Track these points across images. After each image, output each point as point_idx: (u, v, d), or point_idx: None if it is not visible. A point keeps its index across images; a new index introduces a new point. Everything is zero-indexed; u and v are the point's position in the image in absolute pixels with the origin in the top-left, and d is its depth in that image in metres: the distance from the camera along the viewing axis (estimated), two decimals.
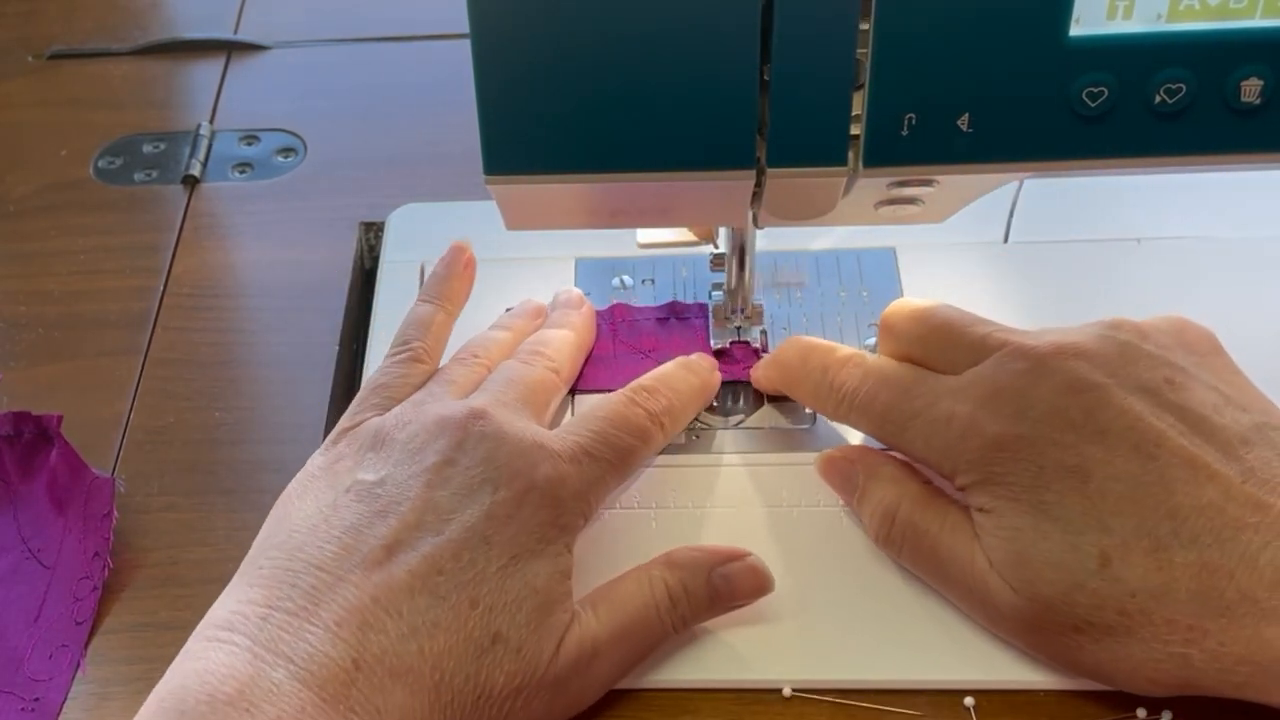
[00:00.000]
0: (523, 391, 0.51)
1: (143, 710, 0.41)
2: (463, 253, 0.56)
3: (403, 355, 0.53)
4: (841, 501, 0.52)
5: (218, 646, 0.41)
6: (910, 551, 0.49)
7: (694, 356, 0.55)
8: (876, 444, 0.52)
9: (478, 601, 0.44)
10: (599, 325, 0.59)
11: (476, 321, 0.60)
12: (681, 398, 0.52)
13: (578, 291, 0.59)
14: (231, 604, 0.43)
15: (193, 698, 0.40)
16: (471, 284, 0.56)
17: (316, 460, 0.49)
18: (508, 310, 0.58)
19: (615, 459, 0.49)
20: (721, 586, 0.48)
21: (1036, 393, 0.45)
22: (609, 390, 0.53)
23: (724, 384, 0.57)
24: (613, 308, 0.59)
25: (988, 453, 0.46)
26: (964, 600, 0.48)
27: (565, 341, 0.55)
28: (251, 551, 0.46)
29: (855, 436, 0.54)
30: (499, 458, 0.46)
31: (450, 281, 0.55)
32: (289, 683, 0.40)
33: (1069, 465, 0.45)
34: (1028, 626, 0.46)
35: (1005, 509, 0.46)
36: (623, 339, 0.58)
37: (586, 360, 0.57)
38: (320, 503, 0.46)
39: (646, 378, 0.52)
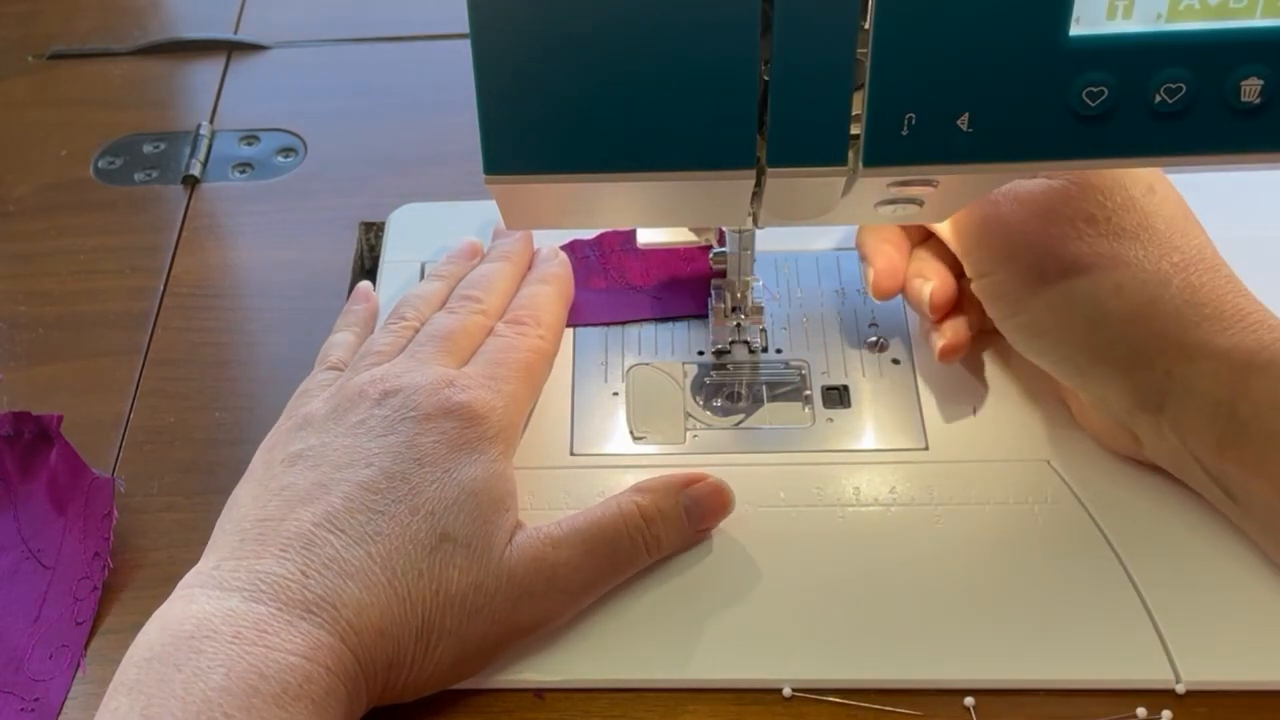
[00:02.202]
0: (442, 343, 0.53)
1: (117, 673, 0.42)
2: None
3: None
4: (838, 501, 0.52)
5: (173, 603, 0.44)
6: (941, 231, 0.53)
7: (544, 266, 0.59)
8: None
9: (418, 509, 0.46)
10: (588, 256, 0.61)
11: None
12: (548, 313, 0.56)
13: (552, 247, 0.60)
14: (188, 575, 0.46)
15: (156, 643, 0.42)
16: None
17: (256, 457, 0.51)
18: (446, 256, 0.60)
19: (520, 375, 0.52)
20: (691, 508, 0.50)
21: None
22: (612, 322, 0.59)
23: (718, 384, 0.57)
24: (600, 237, 0.62)
25: None
26: (972, 227, 0.52)
27: (499, 276, 0.57)
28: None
29: (855, 437, 0.54)
30: (413, 400, 0.49)
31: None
32: (243, 604, 0.43)
33: None
34: (1059, 196, 0.50)
35: None
36: (614, 273, 0.61)
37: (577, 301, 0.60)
38: (257, 479, 0.49)
39: (515, 307, 0.56)
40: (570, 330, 0.60)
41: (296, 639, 0.42)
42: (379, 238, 0.65)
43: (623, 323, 0.59)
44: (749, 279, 0.57)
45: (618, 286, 0.61)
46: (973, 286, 0.53)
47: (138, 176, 0.70)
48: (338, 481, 0.47)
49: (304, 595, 0.44)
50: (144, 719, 0.40)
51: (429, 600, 0.45)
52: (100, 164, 0.71)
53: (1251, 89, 0.41)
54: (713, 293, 0.58)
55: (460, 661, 0.46)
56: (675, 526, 0.50)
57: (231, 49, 0.77)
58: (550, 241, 0.61)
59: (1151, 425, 0.50)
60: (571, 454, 0.55)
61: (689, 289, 0.60)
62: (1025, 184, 0.50)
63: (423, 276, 0.62)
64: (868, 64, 0.41)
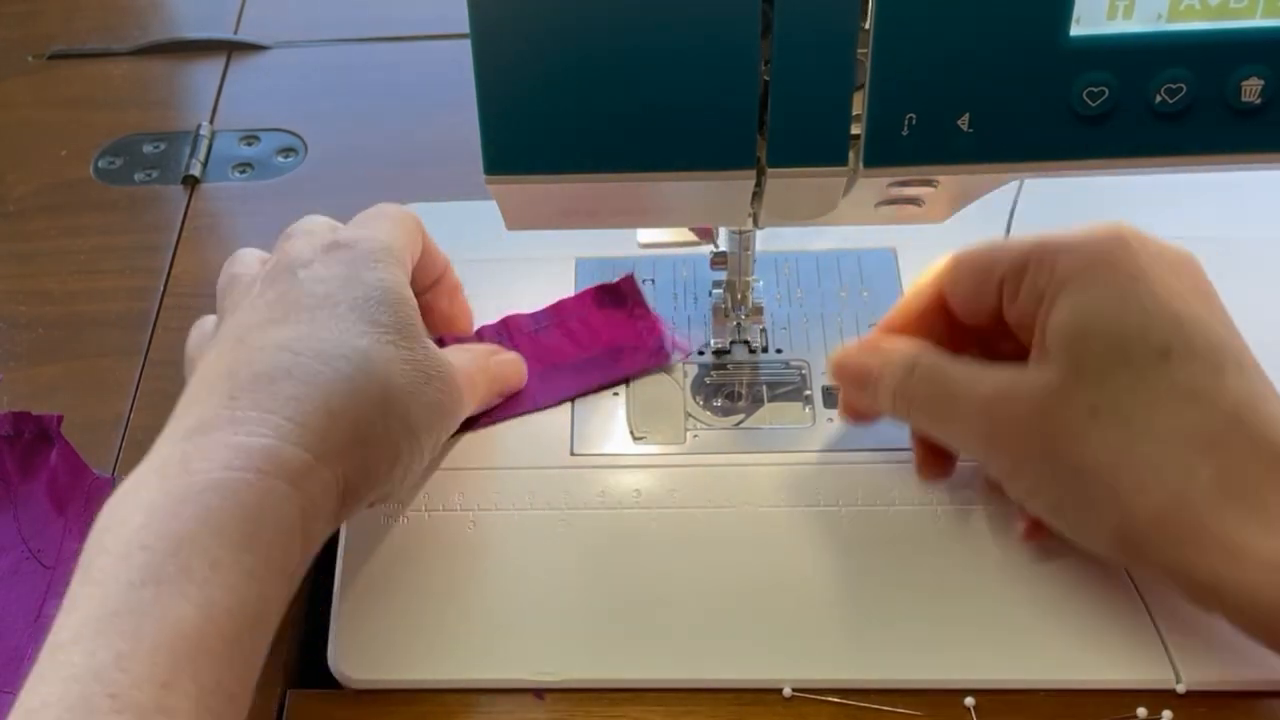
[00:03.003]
0: None
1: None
2: None
3: None
4: (838, 501, 0.52)
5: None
6: (925, 395, 0.48)
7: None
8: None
9: (339, 311, 0.47)
10: (499, 340, 0.59)
11: (476, 323, 0.60)
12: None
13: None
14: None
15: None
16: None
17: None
18: None
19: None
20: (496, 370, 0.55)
21: None
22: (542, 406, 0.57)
23: (718, 384, 0.57)
24: (506, 320, 0.60)
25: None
26: (980, 419, 0.46)
27: None
28: None
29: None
30: (303, 253, 0.51)
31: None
32: (172, 447, 0.43)
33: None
34: (1055, 396, 0.44)
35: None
36: (533, 353, 0.58)
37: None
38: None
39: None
40: None
41: (217, 457, 0.42)
42: None
43: (557, 402, 0.57)
44: (749, 279, 0.57)
45: (540, 368, 0.57)
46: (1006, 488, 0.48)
47: (138, 176, 0.70)
48: (248, 329, 0.47)
49: (231, 415, 0.43)
50: (70, 597, 0.40)
51: (378, 370, 0.46)
52: (100, 164, 0.71)
53: (1252, 89, 0.41)
54: (713, 292, 0.58)
55: (433, 421, 0.48)
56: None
57: (231, 49, 0.77)
58: (550, 242, 0.61)
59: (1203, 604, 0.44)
60: (572, 454, 0.55)
61: (621, 349, 0.58)
62: (1021, 378, 0.45)
63: None
64: (868, 64, 0.41)
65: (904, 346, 0.49)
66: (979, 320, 0.49)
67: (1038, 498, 0.46)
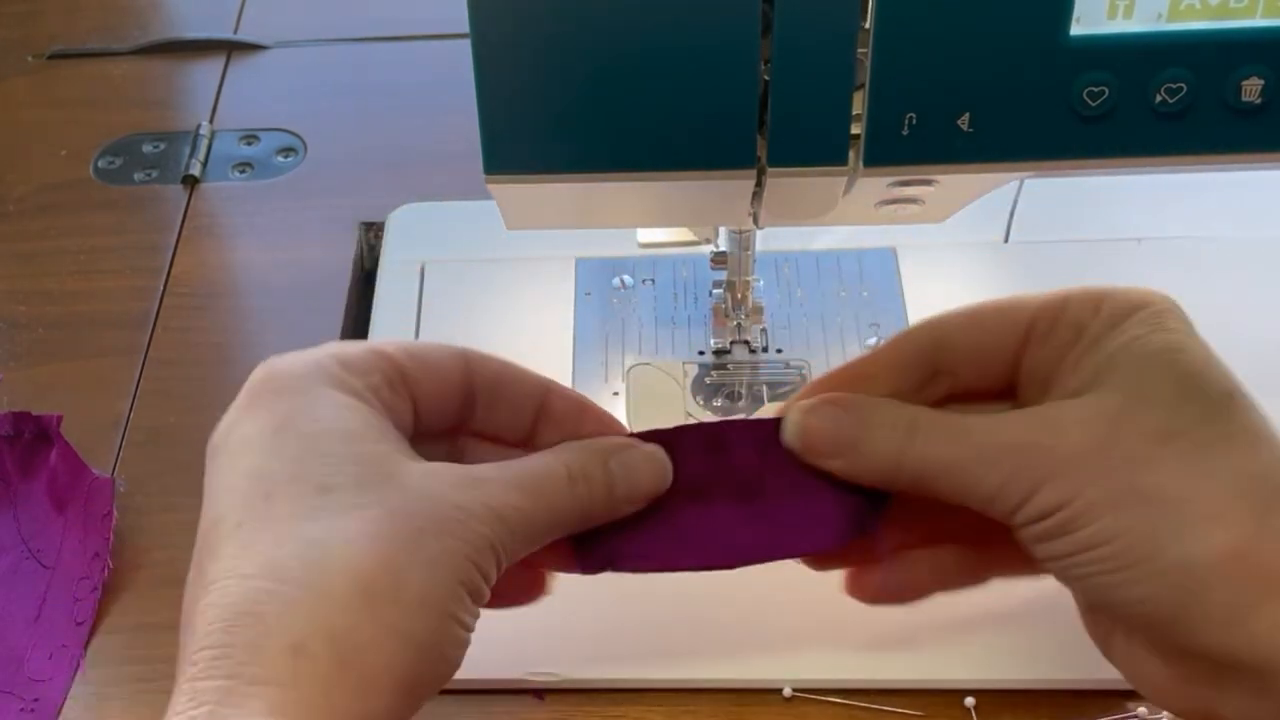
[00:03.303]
0: None
1: None
2: None
3: None
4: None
5: None
6: (939, 450, 0.41)
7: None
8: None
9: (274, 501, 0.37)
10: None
11: (476, 321, 0.60)
12: None
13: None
14: None
15: None
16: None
17: None
18: None
19: None
20: (619, 472, 0.41)
21: None
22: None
23: (718, 384, 0.57)
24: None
25: None
26: (1020, 456, 0.40)
27: None
28: None
29: None
30: None
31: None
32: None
33: None
34: (1121, 421, 0.40)
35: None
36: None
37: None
38: None
39: None
40: (570, 329, 0.60)
41: None
42: (379, 238, 0.65)
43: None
44: (749, 279, 0.57)
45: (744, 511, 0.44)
46: (1021, 536, 0.41)
47: (138, 176, 0.70)
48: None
49: (197, 676, 0.34)
50: None
51: (322, 562, 0.35)
52: (100, 164, 0.71)
53: (1252, 89, 0.41)
54: (713, 292, 0.58)
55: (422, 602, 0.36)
56: (600, 494, 0.41)
57: (231, 49, 0.77)
58: (550, 242, 0.61)
59: (1249, 689, 0.39)
60: None
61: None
62: (1069, 410, 0.41)
63: (423, 277, 0.62)
64: (868, 64, 0.41)
65: (883, 404, 0.43)
66: (982, 371, 0.44)
67: (1084, 533, 0.40)
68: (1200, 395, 0.40)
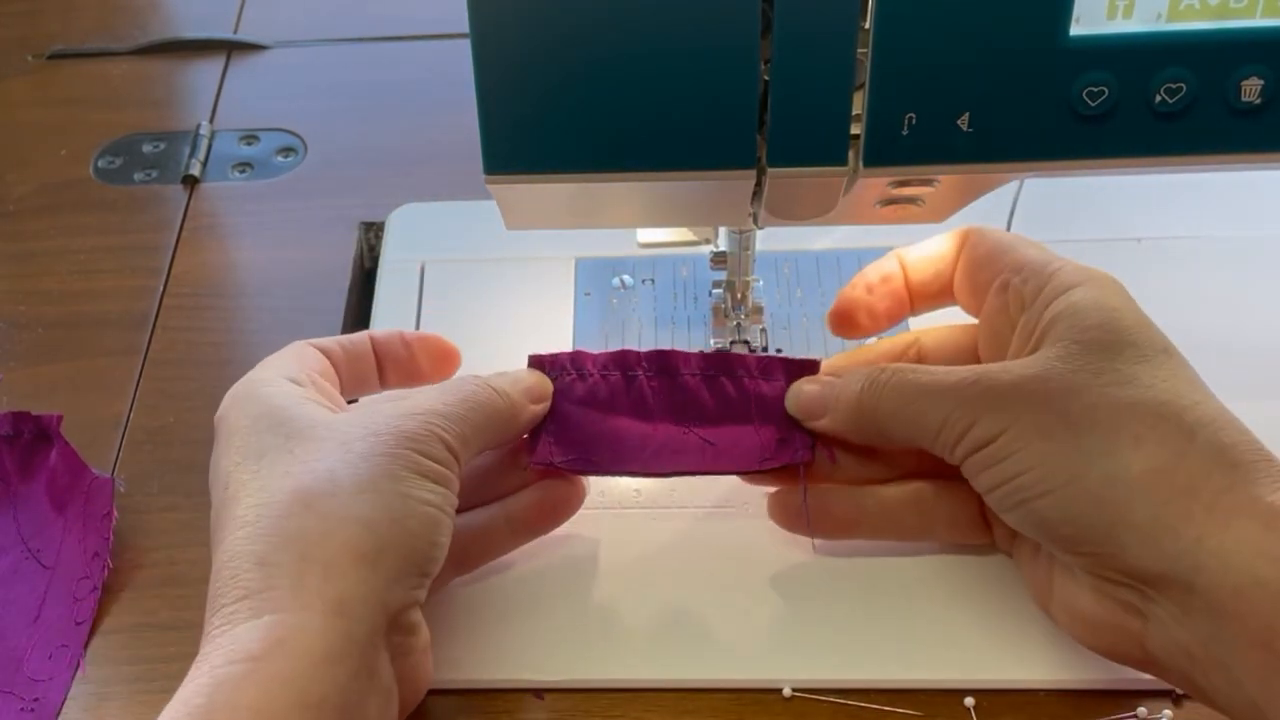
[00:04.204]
0: None
1: None
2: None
3: None
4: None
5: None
6: (896, 385, 0.46)
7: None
8: None
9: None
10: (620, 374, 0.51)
11: (476, 321, 0.60)
12: None
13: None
14: None
15: None
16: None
17: None
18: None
19: None
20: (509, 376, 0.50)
21: None
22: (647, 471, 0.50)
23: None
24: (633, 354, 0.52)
25: None
26: (970, 387, 0.45)
27: None
28: None
29: None
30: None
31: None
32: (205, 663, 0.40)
33: None
34: (1060, 362, 0.44)
35: None
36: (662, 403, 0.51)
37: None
38: None
39: None
40: (570, 329, 0.60)
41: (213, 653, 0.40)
42: (379, 238, 0.65)
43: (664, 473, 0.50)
44: (749, 279, 0.57)
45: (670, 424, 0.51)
46: (962, 467, 0.45)
47: (138, 176, 0.70)
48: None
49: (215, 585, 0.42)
50: None
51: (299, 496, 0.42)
52: (100, 164, 0.71)
53: (1252, 89, 0.41)
54: (713, 291, 0.58)
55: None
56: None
57: (231, 49, 0.77)
58: (550, 242, 0.61)
59: (1174, 609, 0.41)
60: None
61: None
62: (1016, 361, 0.45)
63: (423, 277, 0.62)
64: (868, 64, 0.41)
65: (854, 369, 0.48)
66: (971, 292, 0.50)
67: (1016, 457, 0.43)
68: (1134, 344, 0.44)
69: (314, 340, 0.51)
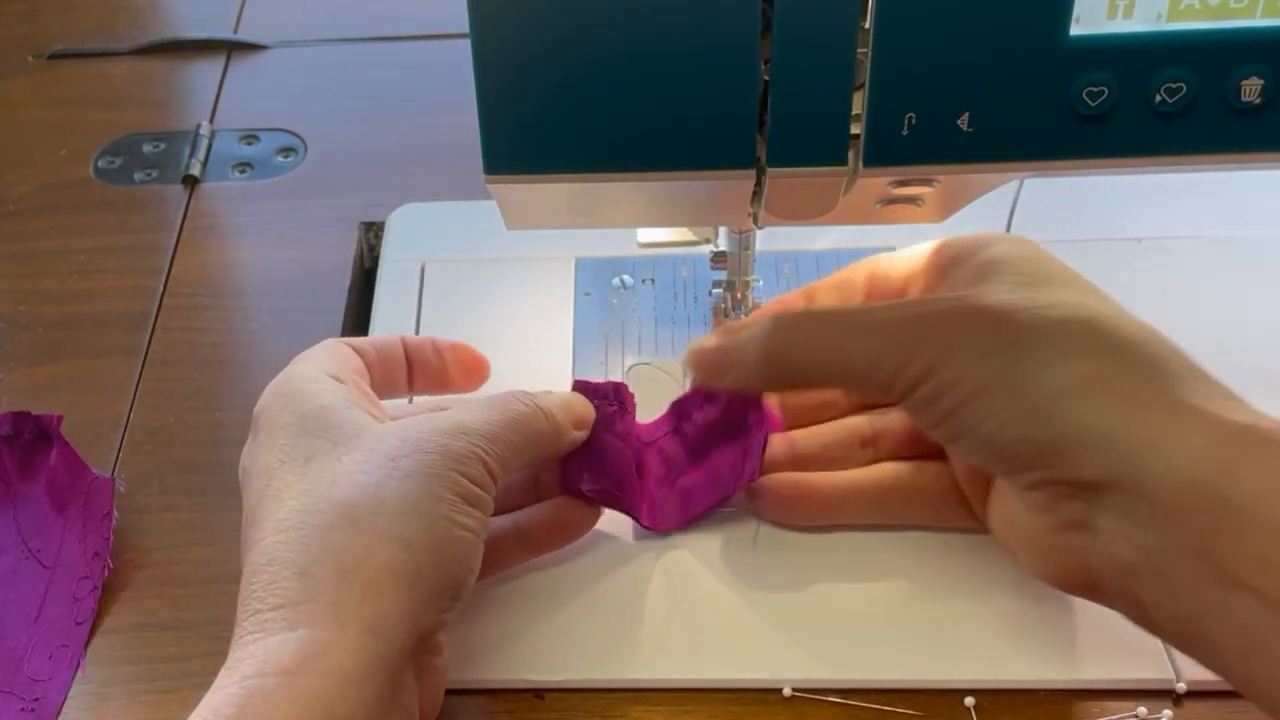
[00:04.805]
0: None
1: None
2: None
3: None
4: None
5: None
6: (803, 331, 0.46)
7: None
8: None
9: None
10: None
11: (476, 321, 0.60)
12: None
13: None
14: None
15: None
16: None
17: None
18: None
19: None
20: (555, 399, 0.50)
21: None
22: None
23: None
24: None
25: None
26: (892, 326, 0.44)
27: None
28: None
29: None
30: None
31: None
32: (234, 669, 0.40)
33: None
34: (985, 291, 0.45)
35: None
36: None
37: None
38: None
39: None
40: (570, 329, 0.60)
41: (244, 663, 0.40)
42: (379, 238, 0.65)
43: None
44: (749, 279, 0.57)
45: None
46: (904, 404, 0.45)
47: (138, 176, 0.70)
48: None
49: (252, 589, 0.42)
50: None
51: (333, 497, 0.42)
52: (100, 164, 0.71)
53: (1252, 89, 0.41)
54: (713, 291, 0.58)
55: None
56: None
57: (231, 49, 0.77)
58: (550, 242, 0.61)
59: (1119, 518, 0.41)
60: None
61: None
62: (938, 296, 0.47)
63: (423, 277, 0.62)
64: (868, 64, 0.41)
65: (755, 320, 0.48)
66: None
67: (959, 385, 0.43)
68: (1055, 278, 0.45)
69: (347, 339, 0.50)
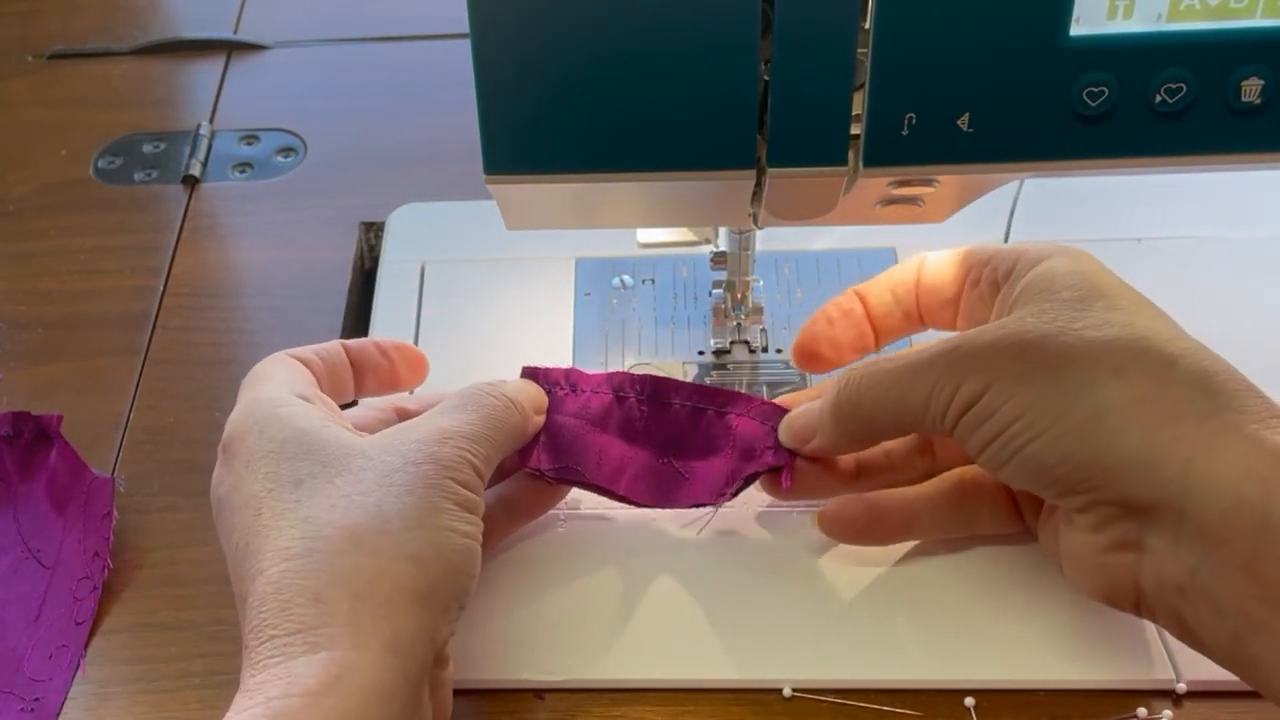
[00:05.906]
0: None
1: None
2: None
3: None
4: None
5: None
6: (871, 379, 0.46)
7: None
8: None
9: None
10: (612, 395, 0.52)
11: (476, 321, 0.60)
12: None
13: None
14: None
15: None
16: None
17: None
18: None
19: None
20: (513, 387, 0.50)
21: None
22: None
23: (718, 384, 0.57)
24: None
25: None
26: (946, 355, 0.45)
27: None
28: None
29: None
30: None
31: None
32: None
33: None
34: (1034, 318, 0.45)
35: None
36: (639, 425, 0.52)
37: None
38: None
39: None
40: (570, 329, 0.60)
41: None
42: (379, 238, 0.65)
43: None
44: (749, 279, 0.57)
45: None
46: (955, 432, 0.45)
47: (138, 176, 0.70)
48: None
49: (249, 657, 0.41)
50: None
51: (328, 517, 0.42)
52: (100, 164, 0.71)
53: (1252, 89, 0.41)
54: (713, 291, 0.58)
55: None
56: None
57: (231, 49, 0.77)
58: (550, 242, 0.61)
59: (1166, 538, 0.42)
60: None
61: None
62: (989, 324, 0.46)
63: (423, 277, 0.62)
64: (868, 64, 0.41)
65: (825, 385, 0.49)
66: (936, 313, 0.52)
67: (1003, 409, 0.44)
68: (1106, 296, 0.45)
69: (291, 351, 0.50)
